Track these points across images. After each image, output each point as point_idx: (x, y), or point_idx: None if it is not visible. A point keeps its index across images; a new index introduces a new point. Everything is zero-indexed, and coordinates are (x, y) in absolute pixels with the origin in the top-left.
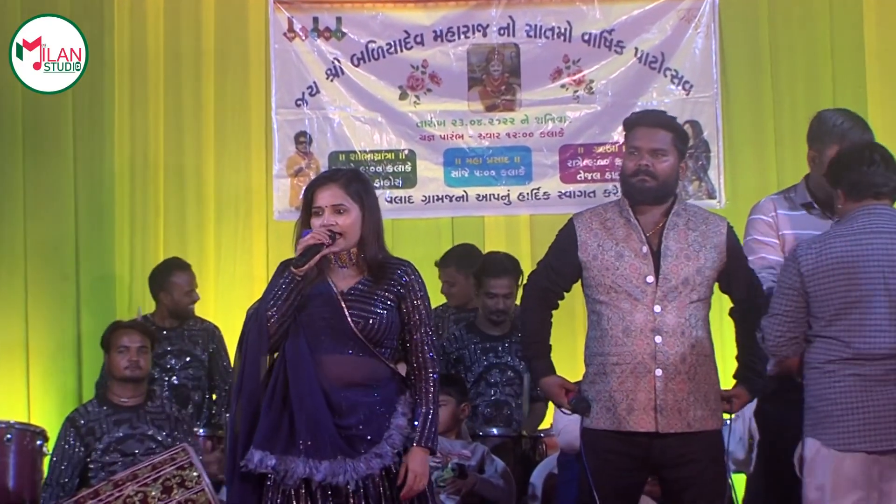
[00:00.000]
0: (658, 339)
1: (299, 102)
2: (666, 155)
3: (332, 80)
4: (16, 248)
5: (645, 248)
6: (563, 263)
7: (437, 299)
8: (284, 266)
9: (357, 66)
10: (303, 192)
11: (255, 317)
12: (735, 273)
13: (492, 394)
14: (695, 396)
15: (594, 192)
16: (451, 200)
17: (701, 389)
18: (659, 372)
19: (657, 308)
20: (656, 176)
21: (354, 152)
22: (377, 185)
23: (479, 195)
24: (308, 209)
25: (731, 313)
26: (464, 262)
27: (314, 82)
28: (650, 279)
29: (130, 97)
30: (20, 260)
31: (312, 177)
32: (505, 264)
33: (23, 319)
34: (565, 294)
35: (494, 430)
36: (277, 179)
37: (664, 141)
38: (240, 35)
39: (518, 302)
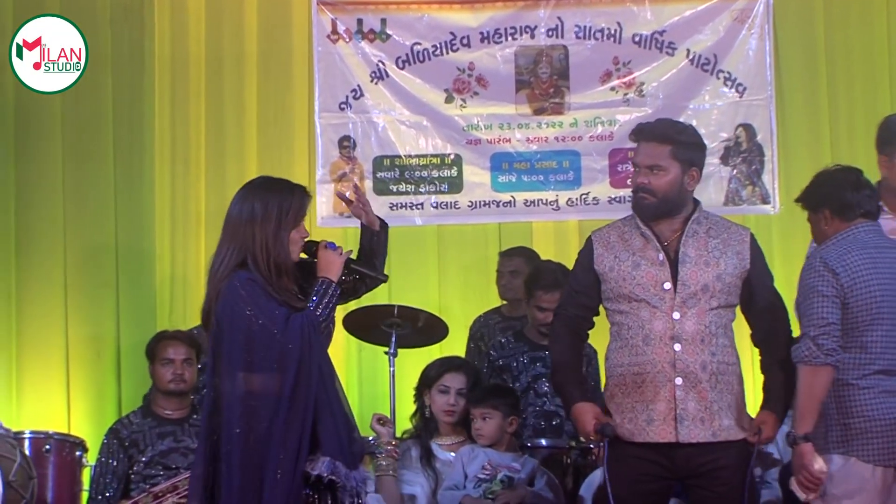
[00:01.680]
0: (677, 346)
1: (343, 106)
2: (663, 170)
3: (376, 83)
4: (55, 255)
5: (661, 256)
6: (584, 281)
7: (482, 305)
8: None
9: (402, 68)
10: (295, 197)
11: (312, 325)
12: (756, 285)
13: (540, 404)
14: (719, 405)
15: None
16: (498, 206)
17: (725, 398)
18: (679, 380)
19: (676, 315)
20: (654, 193)
21: (399, 157)
22: (422, 190)
23: (526, 200)
24: (298, 215)
25: (753, 337)
26: (535, 256)
27: (358, 85)
28: (667, 286)
29: (171, 101)
30: (59, 267)
31: (356, 183)
32: (556, 277)
33: (62, 327)
34: (594, 320)
35: (543, 442)
36: (321, 185)
37: (661, 156)
38: (282, 37)
39: None
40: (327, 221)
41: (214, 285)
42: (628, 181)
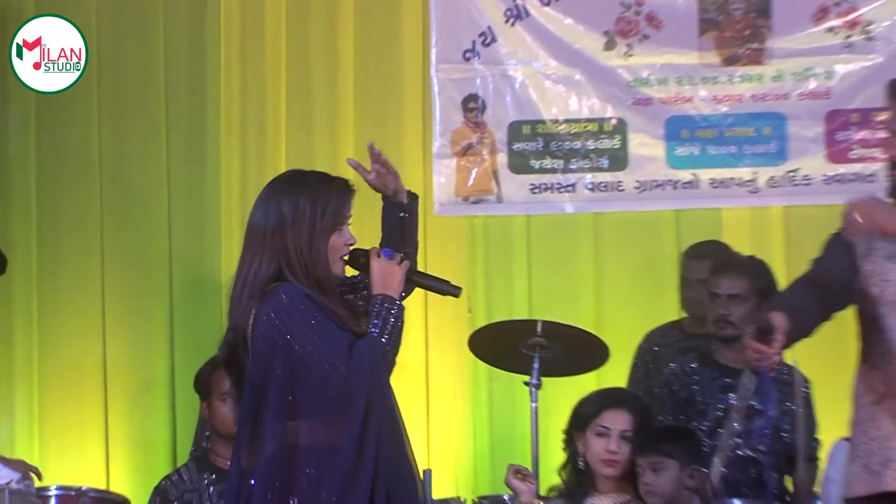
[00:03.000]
0: None
1: (468, 55)
2: None
3: (512, 25)
4: (89, 258)
5: None
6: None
7: (654, 319)
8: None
9: (547, 4)
10: (333, 193)
11: (381, 356)
12: None
13: (733, 449)
14: None
15: (873, 174)
16: (675, 187)
17: None
18: None
19: None
20: None
21: (543, 122)
22: (573, 167)
23: (713, 180)
24: (339, 216)
25: None
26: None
27: (488, 28)
28: None
29: (241, 59)
30: (95, 272)
31: (486, 157)
32: (739, 260)
33: (99, 351)
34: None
35: (737, 502)
36: (438, 160)
37: None
38: None
39: None
40: (448, 209)
41: (244, 307)
42: (851, 154)
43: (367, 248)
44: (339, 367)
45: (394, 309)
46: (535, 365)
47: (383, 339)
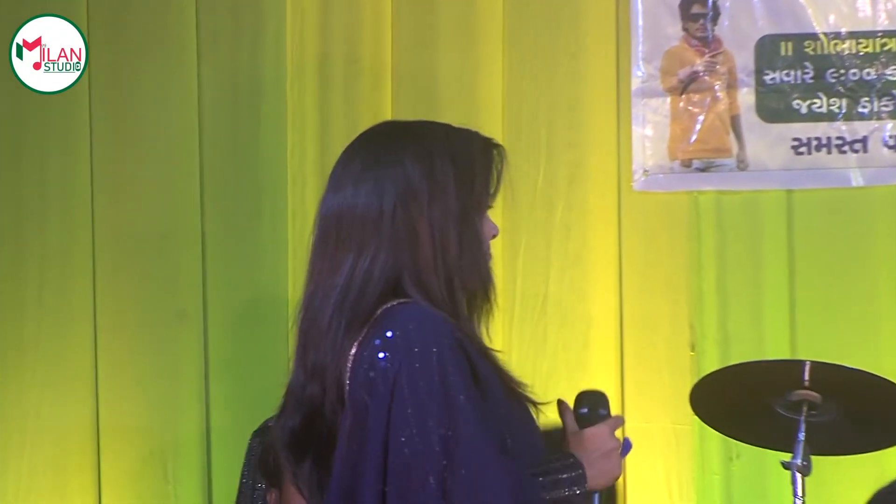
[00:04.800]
0: None
1: None
2: None
3: None
4: (82, 255)
5: None
6: None
7: None
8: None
9: None
10: (478, 148)
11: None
12: None
13: None
14: None
15: None
16: None
17: None
18: None
19: None
20: None
21: (813, 37)
22: (863, 112)
23: None
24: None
25: None
26: None
27: None
28: None
29: None
30: (86, 282)
31: (720, 95)
32: None
33: (90, 406)
34: None
35: None
36: (642, 101)
37: None
38: None
39: None
40: (657, 180)
41: (336, 341)
42: None
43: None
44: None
45: (578, 489)
46: (800, 435)
47: (545, 497)
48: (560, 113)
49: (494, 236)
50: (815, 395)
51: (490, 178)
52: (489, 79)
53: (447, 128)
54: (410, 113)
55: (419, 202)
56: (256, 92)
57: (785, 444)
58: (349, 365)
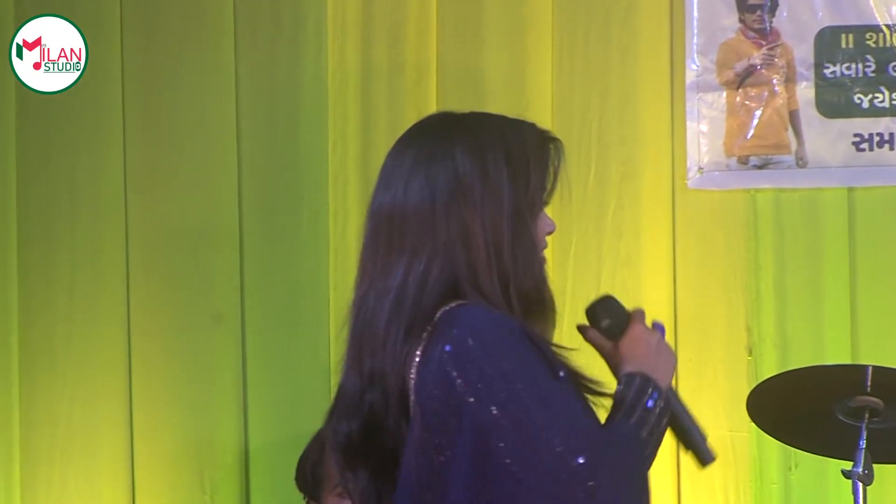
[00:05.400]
0: None
1: None
2: None
3: None
4: (112, 257)
5: None
6: None
7: None
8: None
9: None
10: (532, 142)
11: (641, 454)
12: None
13: None
14: None
15: None
16: None
17: None
18: None
19: None
20: None
21: (876, 29)
22: None
23: None
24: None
25: None
26: None
27: None
28: None
29: None
30: (119, 283)
31: (778, 89)
32: None
33: (124, 417)
34: None
35: None
36: (696, 95)
37: None
38: None
39: None
40: (712, 178)
41: (395, 347)
42: None
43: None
44: (577, 460)
45: (662, 403)
46: (861, 443)
47: (642, 434)
48: (612, 108)
49: (550, 233)
50: (877, 401)
51: (546, 175)
52: (538, 74)
53: (501, 120)
54: (456, 109)
55: (471, 199)
56: (296, 87)
57: (846, 453)
58: (412, 372)
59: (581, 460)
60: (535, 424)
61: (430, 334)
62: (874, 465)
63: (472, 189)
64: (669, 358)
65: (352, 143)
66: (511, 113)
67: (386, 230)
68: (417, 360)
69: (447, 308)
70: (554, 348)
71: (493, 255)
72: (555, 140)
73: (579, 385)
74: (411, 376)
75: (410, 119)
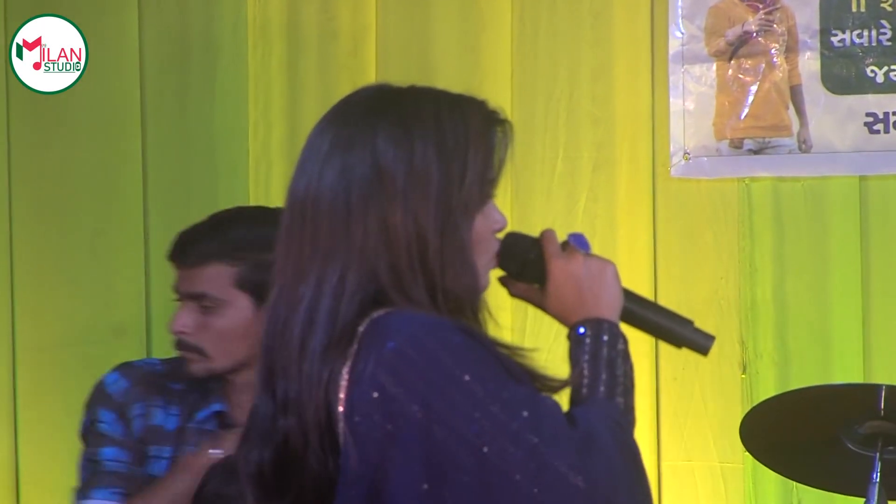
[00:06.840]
0: None
1: None
2: None
3: None
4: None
5: None
6: None
7: None
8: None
9: None
10: (476, 122)
11: (621, 429)
12: None
13: None
14: None
15: None
16: None
17: None
18: None
19: None
20: None
21: None
22: None
23: None
24: (485, 177)
25: None
26: None
27: None
28: None
29: None
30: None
31: (777, 61)
32: None
33: (9, 438)
34: None
35: None
36: (681, 68)
37: None
38: None
39: None
40: (700, 165)
41: (315, 366)
42: None
43: (534, 233)
44: (563, 467)
45: (619, 344)
46: (874, 476)
47: (618, 402)
48: (582, 83)
49: (499, 230)
50: (892, 427)
51: (490, 164)
52: (495, 41)
53: (441, 97)
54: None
55: (392, 192)
56: (211, 57)
57: (856, 487)
58: (339, 397)
59: (567, 465)
60: (504, 433)
61: (360, 349)
62: (890, 503)
63: (393, 181)
64: (606, 276)
65: (276, 123)
66: (462, 88)
67: (298, 225)
68: (345, 382)
69: (372, 318)
70: (503, 349)
71: (416, 257)
72: (503, 122)
73: (541, 385)
74: (339, 401)
75: (344, 94)
